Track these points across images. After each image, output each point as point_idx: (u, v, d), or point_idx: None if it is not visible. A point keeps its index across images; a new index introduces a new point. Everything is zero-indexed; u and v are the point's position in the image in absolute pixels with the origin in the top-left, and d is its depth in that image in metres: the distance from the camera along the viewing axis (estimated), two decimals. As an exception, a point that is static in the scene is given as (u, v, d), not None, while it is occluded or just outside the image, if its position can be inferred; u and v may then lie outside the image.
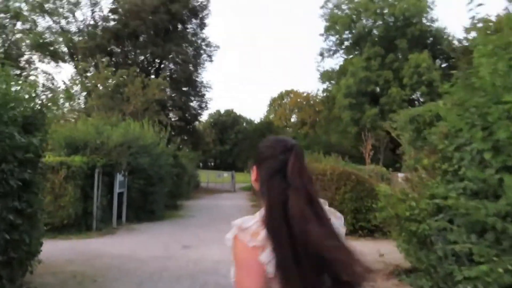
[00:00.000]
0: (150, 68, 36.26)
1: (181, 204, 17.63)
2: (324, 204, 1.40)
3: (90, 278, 5.77)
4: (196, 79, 38.27)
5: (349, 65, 35.34)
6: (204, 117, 74.14)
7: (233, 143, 65.60)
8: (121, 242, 8.61)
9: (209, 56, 38.66)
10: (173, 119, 36.63)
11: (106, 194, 10.42)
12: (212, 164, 71.91)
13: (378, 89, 33.76)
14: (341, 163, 10.72)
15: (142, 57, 36.64)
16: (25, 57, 33.64)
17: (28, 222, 4.76)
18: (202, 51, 38.27)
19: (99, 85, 24.65)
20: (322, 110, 47.31)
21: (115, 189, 10.79)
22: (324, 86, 43.25)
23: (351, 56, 38.22)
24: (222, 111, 75.32)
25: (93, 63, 27.30)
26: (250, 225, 1.32)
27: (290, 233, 1.25)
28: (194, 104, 38.83)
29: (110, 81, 24.68)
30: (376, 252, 6.38)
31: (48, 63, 33.73)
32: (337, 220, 1.44)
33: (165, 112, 31.82)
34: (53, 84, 33.26)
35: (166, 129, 15.96)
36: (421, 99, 30.43)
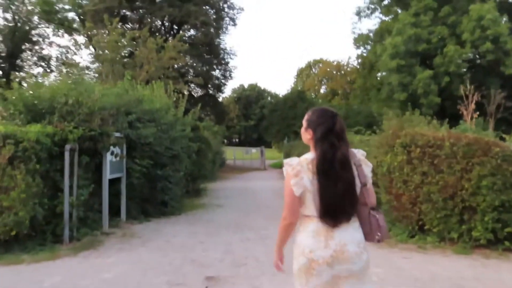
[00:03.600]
0: (168, 35, 32.48)
1: (205, 188, 14.08)
2: (358, 153, 2.25)
3: None
4: (219, 45, 34.34)
5: (394, 22, 30.43)
6: (228, 90, 70.98)
7: (258, 118, 62.10)
8: (99, 270, 5.02)
9: (232, 19, 34.52)
10: (194, 90, 33.23)
11: (90, 184, 6.88)
12: (237, 140, 68.81)
13: (430, 48, 28.87)
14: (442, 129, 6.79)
15: (159, 23, 32.81)
16: (38, 30, 31.14)
17: None
18: (224, 14, 34.16)
19: (106, 51, 21.11)
20: (356, 79, 43.36)
21: (104, 174, 7.22)
22: (359, 51, 38.57)
23: (391, 16, 33.41)
24: (245, 86, 71.92)
25: (103, 30, 23.97)
26: (292, 162, 2.16)
27: (334, 170, 2.08)
28: (217, 73, 35.08)
29: (119, 44, 21.12)
30: None
31: (62, 36, 31.12)
32: (367, 167, 2.23)
33: (185, 81, 28.19)
34: (67, 58, 30.56)
35: (184, 96, 12.29)
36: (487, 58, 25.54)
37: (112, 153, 7.19)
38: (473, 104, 9.19)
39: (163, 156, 8.87)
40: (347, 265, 2.04)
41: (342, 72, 53.96)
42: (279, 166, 29.51)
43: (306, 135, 2.22)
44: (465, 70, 26.69)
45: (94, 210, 7.30)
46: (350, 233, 2.09)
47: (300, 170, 2.09)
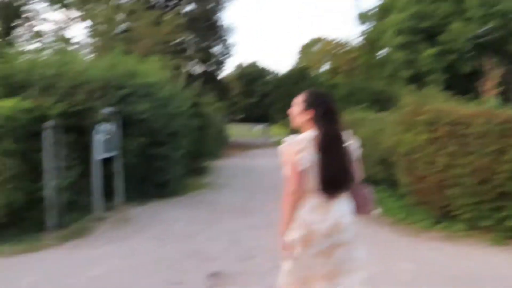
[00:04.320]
0: (165, 10, 31.19)
1: (208, 167, 13.37)
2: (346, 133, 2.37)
3: None
4: (218, 20, 33.10)
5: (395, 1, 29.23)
6: (229, 68, 69.69)
7: (260, 94, 61.11)
8: (86, 265, 4.32)
9: (231, -5, 33.14)
10: (194, 67, 32.20)
11: (79, 164, 6.14)
12: (240, 117, 67.91)
13: (435, 25, 27.73)
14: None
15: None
16: (30, 5, 29.86)
17: None
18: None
19: (101, 25, 20.21)
20: (359, 56, 42.34)
21: (93, 154, 6.47)
22: (362, 28, 37.14)
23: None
24: (246, 64, 70.70)
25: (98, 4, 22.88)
26: (294, 140, 2.25)
27: (335, 146, 2.25)
28: (217, 49, 33.95)
29: (114, 17, 20.19)
30: None
31: (56, 11, 29.79)
32: (355, 143, 2.38)
33: (184, 57, 27.17)
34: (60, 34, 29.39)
35: (182, 72, 11.42)
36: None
37: (101, 131, 6.42)
38: (494, 79, 8.26)
39: (160, 133, 8.09)
40: (342, 235, 2.22)
41: (345, 49, 52.77)
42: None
43: (303, 116, 2.32)
44: (471, 47, 25.63)
45: (86, 193, 6.60)
46: (344, 205, 2.27)
47: (303, 147, 2.20)
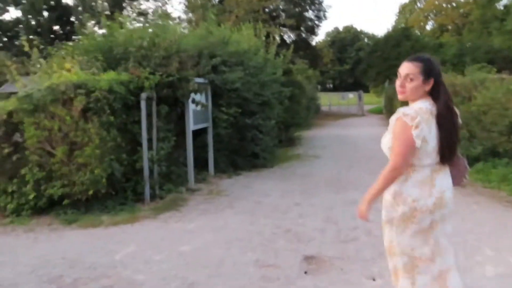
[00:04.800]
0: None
1: (299, 137, 13.02)
2: None
3: None
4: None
5: None
6: (322, 34, 67.43)
7: (354, 61, 58.33)
8: (178, 240, 4.27)
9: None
10: (286, 34, 31.51)
11: (173, 136, 6.19)
12: (331, 86, 65.88)
13: None
14: None
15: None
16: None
17: None
18: None
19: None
20: (471, 10, 37.77)
21: (187, 125, 6.47)
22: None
23: None
24: (340, 29, 67.60)
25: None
26: (410, 112, 2.05)
27: (452, 117, 2.14)
28: (310, 14, 32.73)
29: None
30: None
31: None
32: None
33: (276, 24, 26.65)
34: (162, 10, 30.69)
35: (274, 39, 10.98)
36: None
37: (193, 101, 6.35)
38: None
39: (252, 103, 7.88)
40: (444, 210, 2.12)
41: (454, 4, 47.45)
42: (379, 111, 27.19)
43: (424, 87, 2.11)
44: None
45: (179, 164, 6.69)
46: (447, 179, 2.17)
47: (420, 121, 2.04)
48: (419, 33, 48.02)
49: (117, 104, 5.23)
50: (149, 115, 5.62)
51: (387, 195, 2.14)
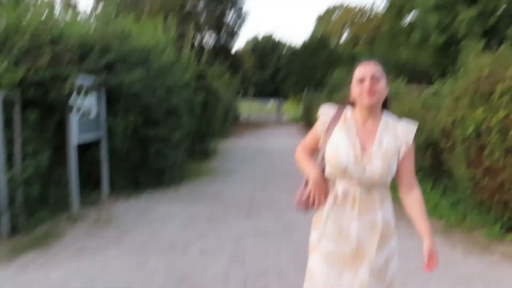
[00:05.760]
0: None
1: (215, 149, 12.11)
2: None
3: None
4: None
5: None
6: (242, 42, 67.50)
7: (274, 69, 59.14)
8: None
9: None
10: (205, 38, 30.58)
11: (48, 150, 4.90)
12: (252, 92, 66.16)
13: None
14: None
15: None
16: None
17: None
18: None
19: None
20: (383, 23, 40.24)
21: (69, 136, 5.21)
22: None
23: None
24: (259, 38, 68.45)
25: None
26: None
27: None
28: (230, 18, 32.19)
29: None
30: None
31: None
32: None
33: (195, 23, 25.58)
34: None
35: (188, 37, 10.03)
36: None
37: (73, 108, 5.12)
38: None
39: (156, 110, 6.79)
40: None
41: (367, 16, 50.62)
42: (297, 120, 27.30)
43: (385, 92, 1.83)
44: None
45: (60, 185, 5.39)
46: None
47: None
48: (335, 44, 50.16)
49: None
50: (10, 122, 4.33)
51: (392, 221, 1.84)
